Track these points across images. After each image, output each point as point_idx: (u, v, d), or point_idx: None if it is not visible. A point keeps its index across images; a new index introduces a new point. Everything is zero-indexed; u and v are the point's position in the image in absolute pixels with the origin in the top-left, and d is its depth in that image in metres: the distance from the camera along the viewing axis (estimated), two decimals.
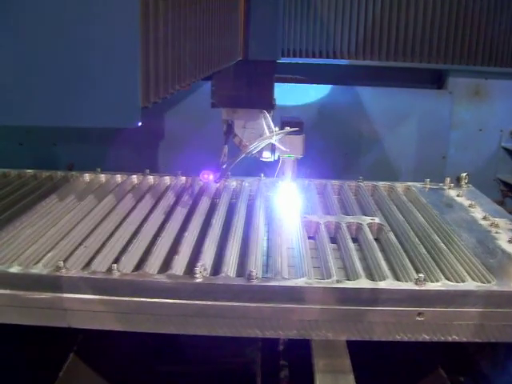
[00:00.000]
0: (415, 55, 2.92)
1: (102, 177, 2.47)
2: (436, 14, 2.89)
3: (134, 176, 2.48)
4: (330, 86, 3.05)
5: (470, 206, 2.23)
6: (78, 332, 1.90)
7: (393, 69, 2.99)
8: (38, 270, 1.64)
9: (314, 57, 2.94)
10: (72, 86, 0.68)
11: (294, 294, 1.59)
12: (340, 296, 1.59)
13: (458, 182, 2.48)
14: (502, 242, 1.92)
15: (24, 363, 1.91)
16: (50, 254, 1.73)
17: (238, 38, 2.01)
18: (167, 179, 2.49)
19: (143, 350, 2.23)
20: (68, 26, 0.69)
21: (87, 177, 2.46)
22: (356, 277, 1.66)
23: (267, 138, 2.03)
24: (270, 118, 2.05)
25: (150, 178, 2.48)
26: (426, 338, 1.62)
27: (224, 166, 2.10)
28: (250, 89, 2.04)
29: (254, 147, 2.05)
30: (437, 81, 3.14)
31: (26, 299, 1.60)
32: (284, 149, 2.05)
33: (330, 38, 2.91)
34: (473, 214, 2.16)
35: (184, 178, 2.49)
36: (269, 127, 2.05)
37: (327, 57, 2.95)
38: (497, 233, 1.99)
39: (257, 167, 2.45)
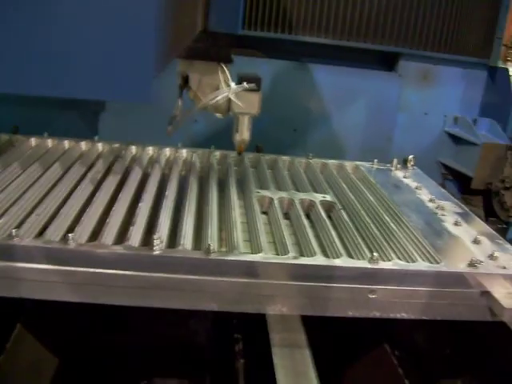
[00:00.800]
0: (369, 36, 2.96)
1: (49, 141, 2.38)
2: None
3: (83, 142, 2.41)
4: (283, 61, 3.05)
5: (416, 188, 2.31)
6: (23, 302, 1.85)
7: (345, 48, 3.01)
8: None
9: (269, 31, 2.93)
10: (87, 59, 0.65)
11: (252, 269, 1.60)
12: (296, 272, 1.61)
13: (404, 163, 2.56)
14: (448, 224, 2.00)
15: None
16: (1, 221, 1.68)
17: (199, 8, 1.98)
18: (117, 147, 2.43)
19: (89, 320, 2.20)
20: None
21: (33, 141, 2.37)
22: (311, 253, 1.70)
23: (224, 92, 1.97)
24: (227, 73, 2.00)
25: (99, 145, 2.42)
26: (377, 314, 1.67)
27: (177, 118, 2.07)
28: (208, 41, 1.95)
29: (210, 100, 1.98)
30: (386, 63, 3.20)
31: None
32: (240, 104, 2.00)
33: (286, 13, 2.89)
34: (420, 196, 2.24)
35: (134, 146, 2.44)
36: (226, 82, 1.99)
37: (282, 32, 2.93)
38: (443, 215, 2.07)
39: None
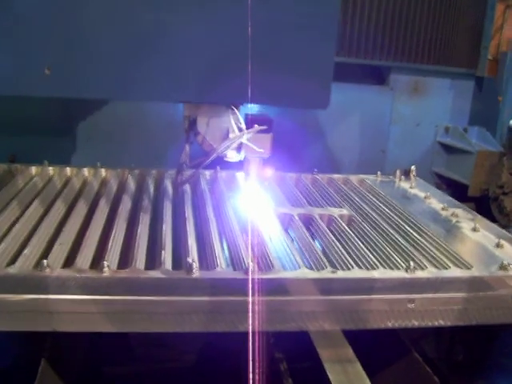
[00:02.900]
0: (360, 52, 3.01)
1: (50, 170, 2.31)
2: (380, 14, 3.00)
3: (85, 169, 2.35)
4: None
5: (425, 198, 2.34)
6: (46, 337, 1.78)
7: (337, 64, 3.03)
8: (16, 270, 1.51)
9: None
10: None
11: (291, 286, 1.58)
12: (336, 286, 1.60)
13: (406, 174, 2.59)
14: (467, 230, 2.03)
15: None
16: (25, 252, 1.60)
17: None
18: (120, 172, 2.37)
19: (92, 352, 2.12)
20: None
21: (33, 170, 2.29)
22: (346, 267, 1.69)
23: (239, 137, 1.84)
24: (239, 114, 1.84)
25: (102, 171, 2.36)
26: (416, 324, 1.67)
27: (189, 170, 2.04)
28: None
29: (225, 148, 1.86)
30: (377, 77, 3.25)
31: (5, 303, 1.46)
32: (257, 149, 1.87)
33: None
34: (431, 205, 2.27)
35: (137, 170, 2.39)
36: (238, 124, 1.84)
37: None
38: (458, 222, 2.10)
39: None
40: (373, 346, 1.98)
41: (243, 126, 1.84)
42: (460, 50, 3.19)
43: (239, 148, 1.90)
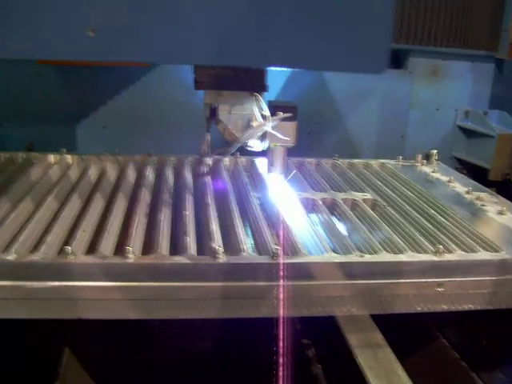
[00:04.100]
0: None
1: (69, 158, 2.29)
2: None
3: (104, 156, 2.32)
4: None
5: (449, 182, 2.30)
6: (69, 325, 1.77)
7: None
8: (39, 257, 1.49)
9: None
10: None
11: (319, 271, 1.55)
12: (364, 270, 1.57)
13: (426, 158, 2.55)
14: (493, 214, 2.00)
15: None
16: (48, 239, 1.58)
17: None
18: (139, 159, 2.35)
19: (110, 341, 2.11)
20: None
21: (52, 158, 2.27)
22: (373, 251, 1.66)
23: (263, 125, 1.80)
24: (263, 101, 1.80)
25: (120, 158, 2.33)
26: (445, 308, 1.65)
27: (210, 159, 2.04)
28: (238, 67, 1.73)
29: (249, 136, 1.82)
30: (396, 61, 3.20)
31: (29, 290, 1.45)
32: (279, 136, 1.83)
33: None
34: (455, 189, 2.24)
35: (156, 157, 2.36)
36: (262, 112, 1.80)
37: None
38: (483, 205, 2.07)
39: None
40: (399, 332, 1.96)
41: (267, 113, 1.80)
42: (480, 32, 3.13)
43: (263, 137, 1.87)
